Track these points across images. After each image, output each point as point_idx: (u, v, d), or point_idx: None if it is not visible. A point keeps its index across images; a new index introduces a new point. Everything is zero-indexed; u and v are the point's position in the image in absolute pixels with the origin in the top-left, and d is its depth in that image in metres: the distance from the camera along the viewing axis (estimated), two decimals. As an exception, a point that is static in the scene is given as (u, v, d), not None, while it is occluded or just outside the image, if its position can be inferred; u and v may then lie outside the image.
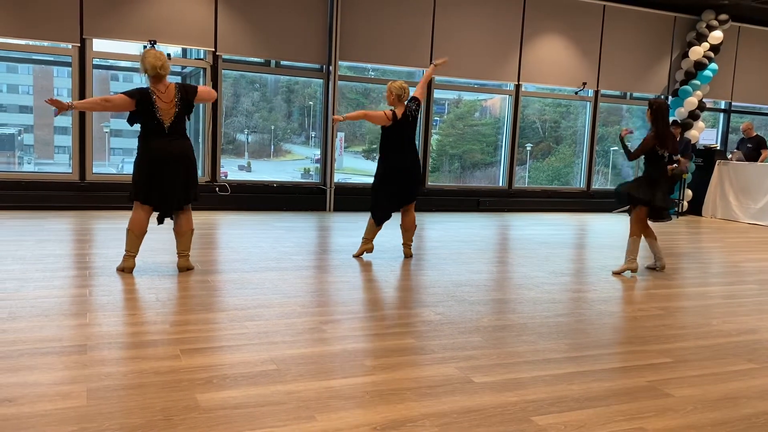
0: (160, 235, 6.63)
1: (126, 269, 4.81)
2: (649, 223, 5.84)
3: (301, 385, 2.76)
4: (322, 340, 3.43)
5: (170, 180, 4.74)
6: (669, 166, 9.93)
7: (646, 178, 5.75)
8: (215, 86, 8.92)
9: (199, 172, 5.12)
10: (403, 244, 6.06)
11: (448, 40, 10.09)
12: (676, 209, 11.02)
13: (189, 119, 4.94)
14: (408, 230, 6.03)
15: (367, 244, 5.92)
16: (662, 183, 5.79)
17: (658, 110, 5.62)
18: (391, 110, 5.68)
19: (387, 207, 5.85)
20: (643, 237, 5.79)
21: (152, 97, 4.66)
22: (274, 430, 2.34)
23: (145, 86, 4.78)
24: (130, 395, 2.57)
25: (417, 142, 6.08)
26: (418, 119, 6.01)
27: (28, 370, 2.79)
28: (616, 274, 5.62)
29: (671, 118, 11.29)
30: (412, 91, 5.90)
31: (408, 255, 5.99)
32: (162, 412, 2.44)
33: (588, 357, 3.34)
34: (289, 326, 3.62)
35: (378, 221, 5.89)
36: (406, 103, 5.75)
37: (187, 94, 4.79)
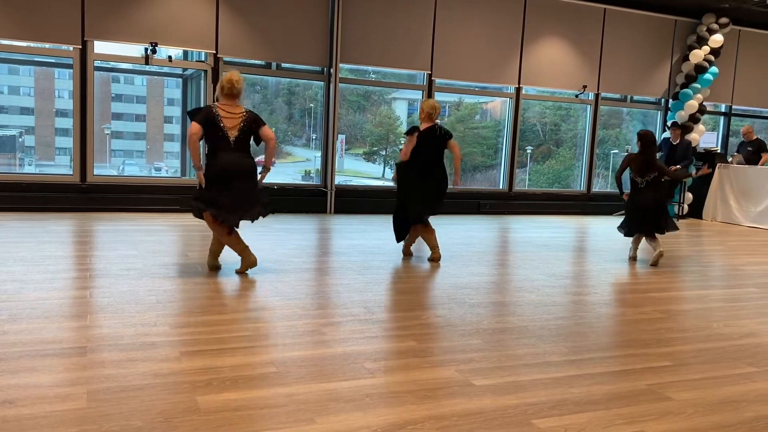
0: (161, 237, 6.64)
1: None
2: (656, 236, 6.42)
3: (301, 388, 2.76)
4: (322, 342, 3.43)
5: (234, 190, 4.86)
6: (673, 167, 10.01)
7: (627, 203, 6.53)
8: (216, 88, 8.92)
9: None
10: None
11: (448, 43, 10.11)
12: (677, 213, 11.02)
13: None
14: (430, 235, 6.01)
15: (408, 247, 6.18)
16: (633, 208, 6.37)
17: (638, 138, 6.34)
18: (414, 130, 5.74)
19: (413, 209, 5.83)
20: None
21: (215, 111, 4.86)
22: (274, 433, 2.34)
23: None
24: (130, 397, 2.57)
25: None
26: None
27: (29, 372, 2.79)
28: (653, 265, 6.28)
29: (671, 120, 11.31)
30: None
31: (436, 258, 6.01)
32: (162, 414, 2.44)
33: (588, 360, 3.34)
34: (289, 328, 3.62)
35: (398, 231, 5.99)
36: (437, 121, 5.86)
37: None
